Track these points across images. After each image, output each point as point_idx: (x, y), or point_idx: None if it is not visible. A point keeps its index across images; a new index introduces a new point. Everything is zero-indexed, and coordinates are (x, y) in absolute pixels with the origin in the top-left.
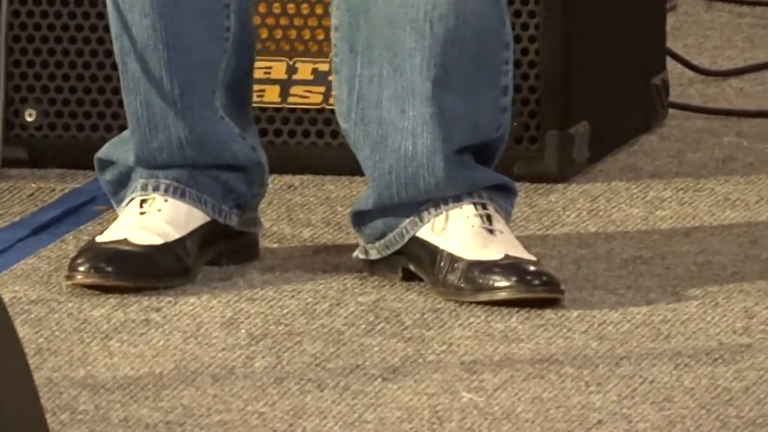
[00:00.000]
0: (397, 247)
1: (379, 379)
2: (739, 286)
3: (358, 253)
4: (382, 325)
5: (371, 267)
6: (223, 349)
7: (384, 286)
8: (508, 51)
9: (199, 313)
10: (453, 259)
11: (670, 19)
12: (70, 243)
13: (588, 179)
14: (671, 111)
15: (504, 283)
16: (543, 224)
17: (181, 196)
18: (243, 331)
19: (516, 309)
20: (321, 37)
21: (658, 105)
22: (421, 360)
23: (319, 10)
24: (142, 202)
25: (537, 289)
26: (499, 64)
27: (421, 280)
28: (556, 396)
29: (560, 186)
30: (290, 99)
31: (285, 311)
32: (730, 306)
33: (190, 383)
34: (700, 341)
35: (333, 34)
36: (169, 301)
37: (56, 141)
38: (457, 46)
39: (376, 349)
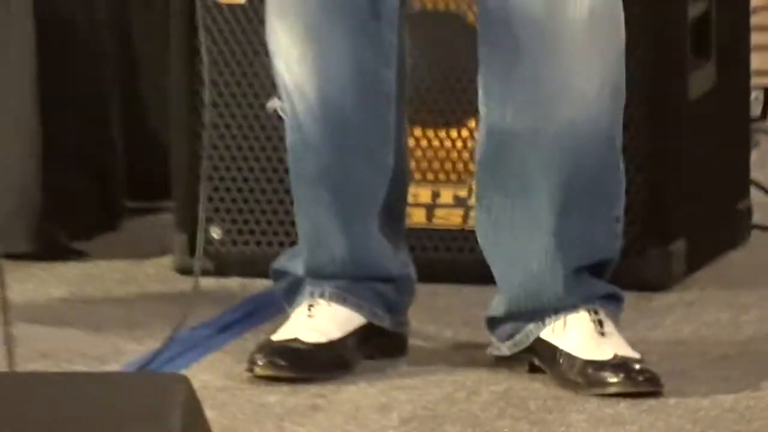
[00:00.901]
0: (524, 345)
1: None
2: None
3: (491, 350)
4: (511, 410)
5: (502, 361)
6: (378, 430)
7: (513, 377)
8: (621, 187)
9: (357, 399)
10: (570, 357)
11: (754, 155)
12: (249, 340)
13: (684, 287)
14: (754, 231)
15: (614, 380)
16: (646, 326)
17: (343, 302)
18: (395, 414)
19: (626, 398)
20: (461, 168)
21: (743, 226)
22: None
23: (459, 144)
24: (310, 306)
25: (641, 385)
26: (613, 200)
27: (543, 372)
28: None
29: (661, 294)
30: (435, 220)
31: (430, 398)
32: None
33: None
34: None
35: (477, 168)
36: (332, 389)
37: (238, 254)
38: (579, 186)
39: (506, 430)
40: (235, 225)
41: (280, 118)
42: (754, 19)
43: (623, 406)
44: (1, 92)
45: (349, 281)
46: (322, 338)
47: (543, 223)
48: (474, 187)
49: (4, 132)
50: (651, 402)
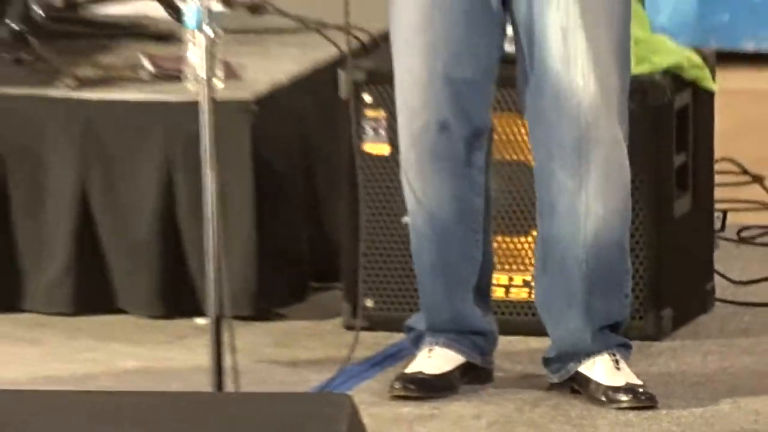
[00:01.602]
0: (568, 376)
1: None
2: (755, 391)
3: (546, 379)
4: (559, 417)
5: (554, 386)
6: (474, 430)
7: (560, 396)
8: (628, 275)
9: (459, 410)
10: (597, 384)
11: (716, 253)
12: (390, 372)
13: (671, 339)
14: (717, 303)
15: (625, 398)
16: (646, 364)
17: (450, 348)
18: (484, 420)
19: (633, 410)
20: (527, 261)
21: (709, 300)
22: None
23: (525, 246)
24: (429, 350)
25: (643, 401)
26: (623, 283)
27: (580, 393)
28: None
29: (655, 343)
30: (510, 295)
31: (506, 409)
32: (747, 406)
33: None
34: (735, 427)
35: (535, 262)
36: (444, 404)
37: (383, 317)
38: (600, 275)
39: (554, 428)
40: (381, 297)
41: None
42: (717, 166)
43: (631, 415)
44: (231, 214)
45: (455, 334)
46: (437, 371)
47: (577, 299)
48: (534, 273)
49: (232, 239)
50: (650, 412)
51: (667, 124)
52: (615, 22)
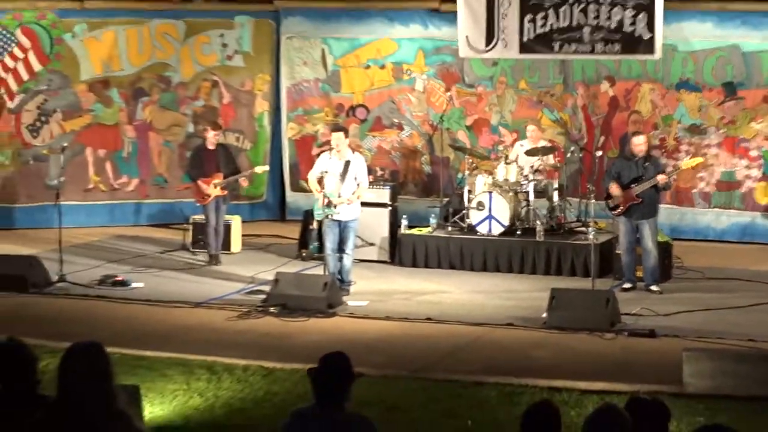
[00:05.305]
0: (647, 287)
1: None
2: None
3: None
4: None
5: (646, 291)
6: (628, 297)
7: (645, 294)
8: (657, 272)
9: (628, 295)
10: (653, 290)
11: (674, 269)
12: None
13: (664, 284)
14: (674, 275)
15: (658, 292)
16: (661, 287)
17: (629, 282)
18: (635, 298)
19: (659, 294)
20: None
21: (670, 274)
22: None
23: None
24: (625, 281)
25: (661, 293)
26: (658, 273)
27: (650, 292)
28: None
29: (661, 284)
30: (638, 273)
31: (633, 295)
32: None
33: None
34: (684, 300)
35: (644, 269)
36: (629, 293)
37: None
38: (653, 270)
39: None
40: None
41: None
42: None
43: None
44: None
45: (630, 281)
46: (629, 286)
47: (648, 277)
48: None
49: None
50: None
51: (669, 253)
52: (654, 228)
